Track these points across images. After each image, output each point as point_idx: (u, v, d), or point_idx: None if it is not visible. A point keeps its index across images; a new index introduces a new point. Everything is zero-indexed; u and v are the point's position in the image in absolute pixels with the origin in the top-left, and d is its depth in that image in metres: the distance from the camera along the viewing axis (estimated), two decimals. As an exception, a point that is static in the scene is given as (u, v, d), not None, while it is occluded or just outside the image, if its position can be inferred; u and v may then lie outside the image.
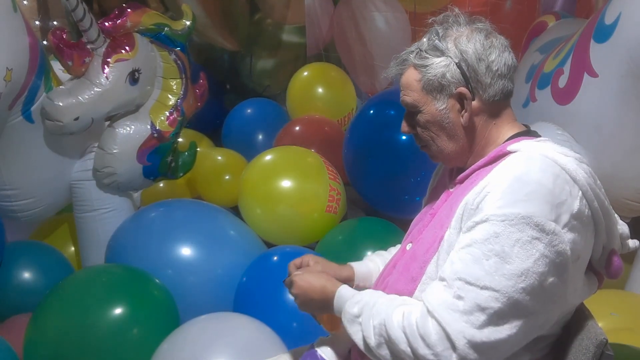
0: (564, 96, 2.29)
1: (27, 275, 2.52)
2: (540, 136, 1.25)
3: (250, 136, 3.64)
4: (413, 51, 1.27)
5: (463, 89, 1.21)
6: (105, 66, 2.44)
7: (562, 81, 2.31)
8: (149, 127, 2.65)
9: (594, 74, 2.14)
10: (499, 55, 1.21)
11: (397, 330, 1.12)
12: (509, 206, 1.07)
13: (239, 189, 2.99)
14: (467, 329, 1.05)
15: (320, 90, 3.81)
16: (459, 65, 1.20)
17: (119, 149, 2.58)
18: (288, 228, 2.83)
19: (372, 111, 3.18)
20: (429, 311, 1.09)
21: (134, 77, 2.53)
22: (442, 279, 1.12)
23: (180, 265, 2.39)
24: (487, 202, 1.10)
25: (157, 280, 2.28)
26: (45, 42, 4.10)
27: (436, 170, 1.48)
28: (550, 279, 1.08)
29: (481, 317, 1.06)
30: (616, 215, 1.21)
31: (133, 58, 2.52)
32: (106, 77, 2.44)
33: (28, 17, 2.69)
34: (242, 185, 2.95)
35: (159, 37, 2.67)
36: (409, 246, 1.32)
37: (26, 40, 2.25)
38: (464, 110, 1.22)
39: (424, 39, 1.26)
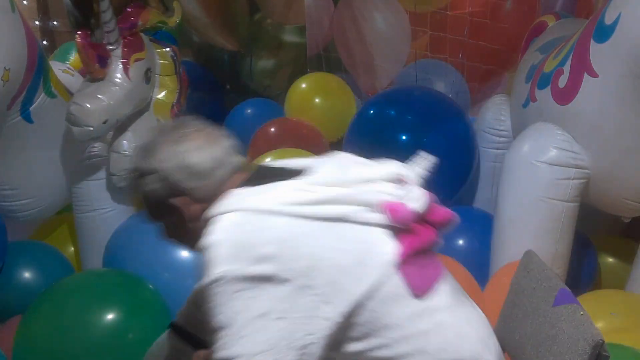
0: (564, 96, 2.28)
1: (27, 275, 2.52)
2: None
3: (250, 136, 3.63)
4: None
5: None
6: (127, 66, 2.44)
7: (562, 81, 2.30)
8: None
9: (594, 74, 2.13)
10: None
11: None
12: None
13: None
14: None
15: (318, 101, 3.81)
16: None
17: None
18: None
19: (372, 111, 3.18)
20: None
21: (147, 76, 2.55)
22: None
23: (178, 268, 2.37)
24: None
25: (149, 285, 2.26)
26: (45, 43, 4.11)
27: None
28: None
29: None
30: None
31: (146, 57, 2.53)
32: (129, 78, 2.43)
33: (28, 17, 2.70)
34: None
35: (156, 35, 2.70)
36: None
37: (24, 40, 2.25)
38: None
39: None
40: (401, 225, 1.17)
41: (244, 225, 1.10)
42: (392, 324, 1.14)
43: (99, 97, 2.34)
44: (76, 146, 2.63)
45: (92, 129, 2.31)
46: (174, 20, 2.79)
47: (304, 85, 3.88)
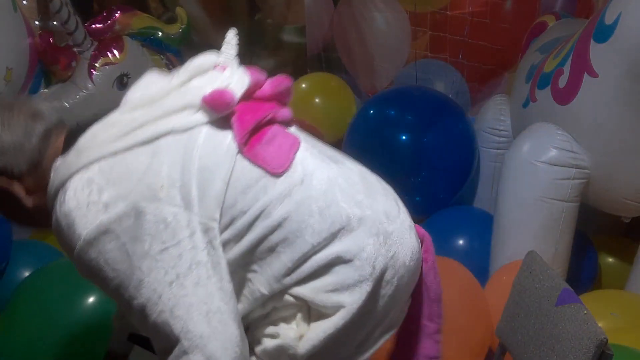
0: (564, 96, 2.29)
1: (27, 274, 2.52)
2: None
3: (250, 136, 3.62)
4: None
5: None
6: (92, 70, 2.43)
7: (562, 81, 2.30)
8: None
9: (594, 74, 2.14)
10: None
11: None
12: None
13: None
14: None
15: (318, 101, 3.81)
16: None
17: None
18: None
19: (372, 111, 3.18)
20: None
21: (122, 82, 2.51)
22: None
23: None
24: None
25: None
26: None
27: None
28: None
29: None
30: None
31: (121, 62, 2.50)
32: (92, 82, 2.42)
33: (28, 17, 2.70)
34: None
35: (150, 41, 2.66)
36: None
37: (26, 40, 2.25)
38: None
39: None
40: (225, 112, 1.13)
41: (79, 187, 1.07)
42: (262, 212, 1.10)
43: (55, 98, 2.35)
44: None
45: None
46: (176, 27, 2.74)
47: (304, 85, 3.88)
